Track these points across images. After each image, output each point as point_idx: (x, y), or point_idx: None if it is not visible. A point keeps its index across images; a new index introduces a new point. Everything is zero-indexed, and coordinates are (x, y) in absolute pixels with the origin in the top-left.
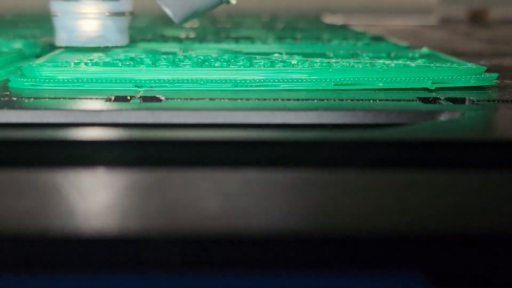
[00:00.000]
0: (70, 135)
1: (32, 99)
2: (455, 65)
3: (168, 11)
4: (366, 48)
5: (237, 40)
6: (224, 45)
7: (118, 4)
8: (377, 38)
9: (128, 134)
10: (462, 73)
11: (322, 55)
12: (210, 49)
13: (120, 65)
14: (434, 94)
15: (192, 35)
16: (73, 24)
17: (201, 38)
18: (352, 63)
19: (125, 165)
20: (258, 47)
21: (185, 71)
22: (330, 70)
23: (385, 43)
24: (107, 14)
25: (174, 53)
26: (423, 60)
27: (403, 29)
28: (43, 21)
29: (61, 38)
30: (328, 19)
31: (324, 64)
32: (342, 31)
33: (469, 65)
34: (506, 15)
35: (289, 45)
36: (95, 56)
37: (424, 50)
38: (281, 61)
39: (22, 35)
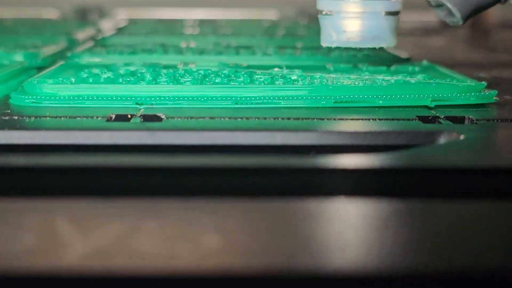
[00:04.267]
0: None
1: (33, 118)
2: (455, 82)
3: (454, 9)
4: (366, 59)
5: (237, 51)
6: (225, 57)
7: (394, 3)
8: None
9: (127, 160)
10: (462, 91)
11: (322, 69)
12: (210, 61)
13: (121, 81)
14: (433, 112)
15: (192, 44)
16: (346, 23)
17: (201, 47)
18: (352, 80)
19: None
20: (258, 58)
21: (186, 88)
22: (330, 87)
23: (385, 54)
24: (383, 13)
25: (174, 67)
26: (423, 75)
27: (402, 33)
28: (43, 28)
29: (329, 39)
30: None
31: (324, 81)
32: None
33: (469, 81)
34: (506, 18)
35: (289, 57)
36: (96, 71)
37: (424, 63)
38: (281, 77)
39: (23, 45)
